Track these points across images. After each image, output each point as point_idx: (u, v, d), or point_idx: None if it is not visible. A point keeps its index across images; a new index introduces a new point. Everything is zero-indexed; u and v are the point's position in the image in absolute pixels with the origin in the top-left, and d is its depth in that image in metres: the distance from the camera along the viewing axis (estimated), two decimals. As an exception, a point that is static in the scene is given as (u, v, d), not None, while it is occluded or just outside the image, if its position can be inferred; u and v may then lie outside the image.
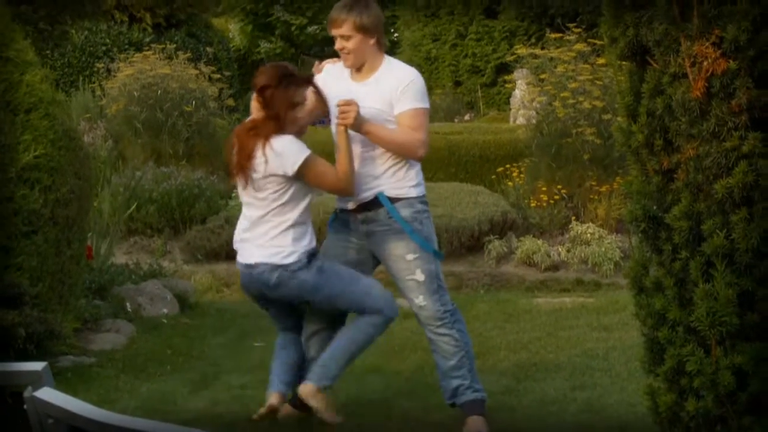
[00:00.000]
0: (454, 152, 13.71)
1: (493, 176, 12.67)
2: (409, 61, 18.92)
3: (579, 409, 5.23)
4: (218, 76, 14.12)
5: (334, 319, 5.06)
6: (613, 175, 10.68)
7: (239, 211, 5.06)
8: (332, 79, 5.02)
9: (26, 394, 2.64)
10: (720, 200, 3.29)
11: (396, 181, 4.90)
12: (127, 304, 7.56)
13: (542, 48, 12.26)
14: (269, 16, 23.24)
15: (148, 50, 14.30)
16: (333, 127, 4.96)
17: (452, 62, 19.72)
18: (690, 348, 3.39)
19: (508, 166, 12.43)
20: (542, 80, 11.73)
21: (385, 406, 5.41)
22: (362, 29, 4.83)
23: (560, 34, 11.96)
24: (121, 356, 6.52)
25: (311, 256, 4.83)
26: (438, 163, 13.52)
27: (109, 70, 14.26)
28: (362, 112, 4.76)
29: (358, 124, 4.75)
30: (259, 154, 4.75)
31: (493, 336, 6.89)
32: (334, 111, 4.89)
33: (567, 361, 6.14)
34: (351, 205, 4.96)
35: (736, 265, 3.29)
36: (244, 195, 4.91)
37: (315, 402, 4.84)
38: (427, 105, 4.92)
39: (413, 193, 4.92)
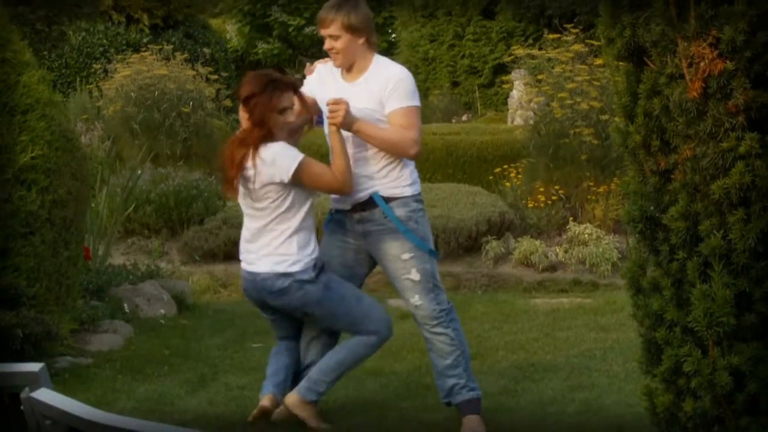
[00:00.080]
0: (452, 153, 13.71)
1: (491, 177, 12.68)
2: (407, 62, 19.03)
3: (577, 409, 5.23)
4: (216, 76, 14.11)
5: None
6: (611, 176, 10.68)
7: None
8: (323, 79, 5.01)
9: (23, 395, 2.64)
10: (717, 201, 3.29)
11: (390, 180, 4.89)
12: (125, 305, 7.55)
13: (540, 49, 12.26)
14: (267, 16, 23.26)
15: (145, 51, 14.28)
16: (326, 129, 4.96)
17: (450, 63, 19.73)
18: (687, 348, 3.39)
19: (505, 166, 12.44)
20: (540, 81, 11.73)
21: (383, 406, 5.41)
22: (350, 29, 4.82)
23: (558, 35, 11.97)
24: (118, 357, 6.52)
25: (320, 270, 4.83)
26: (435, 163, 13.53)
27: (106, 71, 14.25)
28: (353, 111, 4.75)
29: (348, 122, 4.74)
30: (249, 165, 4.74)
31: (490, 337, 6.89)
32: (325, 111, 4.90)
33: (565, 362, 6.14)
34: (346, 206, 4.96)
35: (733, 265, 3.29)
36: (244, 206, 4.92)
37: (300, 412, 4.91)
38: (417, 103, 4.90)
39: (408, 192, 4.92)
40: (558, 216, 10.72)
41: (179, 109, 13.23)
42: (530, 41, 14.67)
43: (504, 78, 16.40)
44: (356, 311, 4.91)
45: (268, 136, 4.77)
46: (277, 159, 4.73)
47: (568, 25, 12.17)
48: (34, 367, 2.75)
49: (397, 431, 5.07)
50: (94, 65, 15.43)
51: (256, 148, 4.75)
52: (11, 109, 6.21)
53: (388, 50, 21.45)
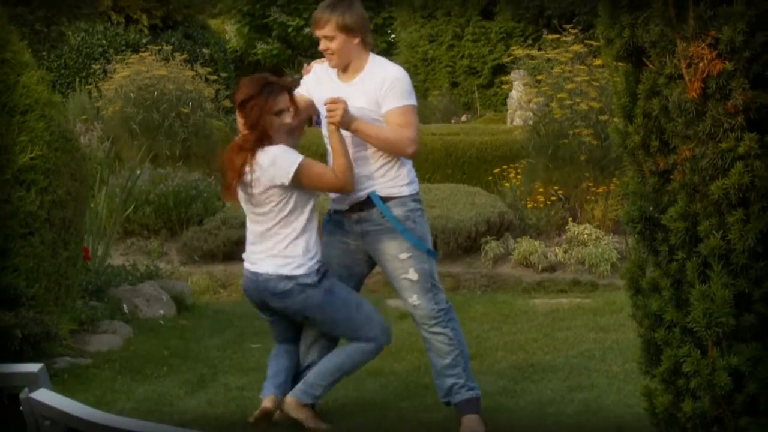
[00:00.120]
0: (451, 153, 13.72)
1: (490, 177, 12.68)
2: (406, 62, 19.05)
3: (576, 410, 5.23)
4: (215, 77, 14.11)
5: None
6: (610, 176, 10.68)
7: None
8: (320, 79, 5.01)
9: (23, 395, 2.64)
10: (716, 201, 3.29)
11: (388, 180, 4.89)
12: (124, 306, 7.55)
13: (539, 49, 12.27)
14: (266, 17, 23.27)
15: (144, 51, 14.29)
16: (323, 129, 4.97)
17: (449, 63, 19.74)
18: (686, 349, 3.39)
19: (505, 167, 12.44)
20: (539, 81, 11.73)
21: (382, 406, 5.41)
22: (345, 29, 4.81)
23: (557, 35, 11.97)
24: (117, 357, 6.52)
25: (323, 275, 4.84)
26: (435, 164, 13.54)
27: (105, 72, 14.25)
28: (350, 111, 4.75)
29: (347, 121, 4.74)
30: (247, 170, 4.74)
31: (490, 337, 6.89)
32: (323, 112, 4.90)
33: (564, 362, 6.14)
34: (344, 206, 4.96)
35: (732, 266, 3.29)
36: (246, 211, 4.93)
37: (297, 414, 4.92)
38: (414, 102, 4.89)
39: (406, 191, 4.92)
40: (557, 216, 10.73)
41: (178, 109, 13.23)
42: (529, 42, 14.68)
43: (503, 78, 16.41)
44: (356, 318, 4.92)
45: (266, 140, 4.77)
46: (277, 162, 4.73)
47: (568, 26, 12.17)
48: (34, 367, 2.75)
49: (397, 431, 5.07)
50: (93, 66, 15.42)
51: (254, 153, 4.75)
52: (10, 110, 6.21)
53: (388, 51, 21.46)
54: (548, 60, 11.72)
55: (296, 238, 4.80)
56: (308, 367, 5.04)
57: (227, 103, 14.14)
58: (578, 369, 5.97)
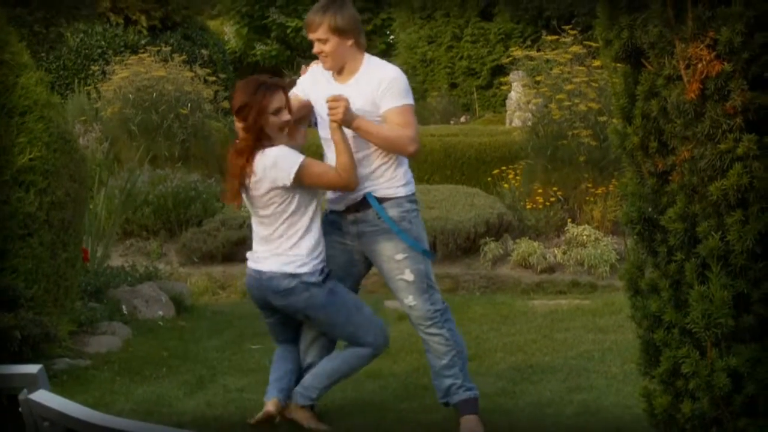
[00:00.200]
0: (450, 154, 13.72)
1: (489, 178, 12.69)
2: (405, 63, 19.04)
3: (575, 411, 5.23)
4: (214, 78, 14.12)
5: None
6: (609, 177, 10.69)
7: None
8: (316, 80, 5.01)
9: (22, 396, 2.64)
10: (715, 202, 3.29)
11: (384, 181, 4.89)
12: (123, 307, 7.55)
13: (538, 50, 12.28)
14: (265, 18, 23.26)
15: (143, 52, 14.30)
16: (320, 131, 4.97)
17: (448, 64, 19.73)
18: (685, 350, 3.39)
19: (503, 168, 12.45)
20: (538, 82, 11.74)
21: (381, 407, 5.41)
22: (338, 31, 4.81)
23: (556, 37, 11.98)
24: (116, 359, 6.52)
25: (326, 275, 4.85)
26: (434, 165, 13.54)
27: (104, 73, 14.26)
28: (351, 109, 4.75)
29: (348, 119, 4.73)
30: (248, 172, 4.74)
31: (489, 338, 6.90)
32: (320, 112, 4.90)
33: (563, 363, 6.14)
34: (340, 207, 4.96)
35: (731, 267, 3.29)
36: (252, 215, 4.94)
37: (296, 416, 4.95)
38: (411, 101, 4.89)
39: (402, 192, 4.92)
40: (556, 217, 10.73)
41: (177, 110, 13.23)
42: (528, 43, 14.68)
43: (502, 79, 16.41)
44: (356, 320, 4.92)
45: (266, 141, 4.77)
46: (278, 163, 4.73)
47: (566, 27, 12.19)
48: (33, 368, 2.75)
49: (396, 432, 5.08)
50: (92, 67, 15.42)
51: (254, 156, 4.75)
52: (9, 111, 6.21)
53: (386, 52, 21.47)
54: (547, 61, 11.73)
55: (301, 238, 4.81)
56: (307, 368, 5.05)
57: (226, 104, 14.15)
58: (577, 370, 5.97)
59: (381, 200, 4.88)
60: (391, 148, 4.84)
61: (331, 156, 4.88)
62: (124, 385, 5.96)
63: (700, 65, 3.26)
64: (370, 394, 5.66)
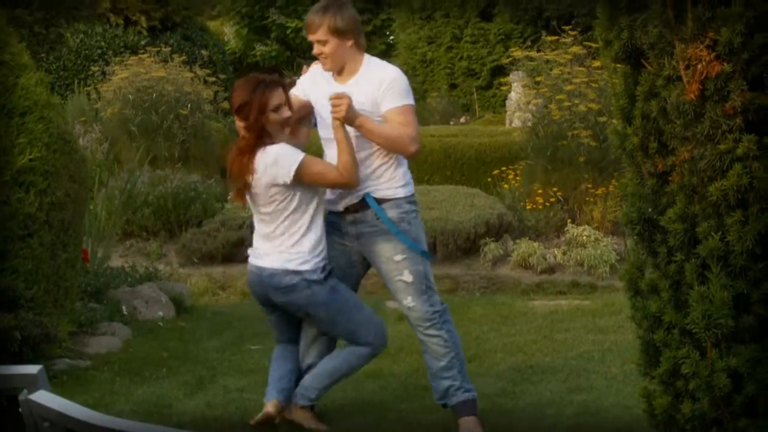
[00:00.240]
0: (450, 155, 13.72)
1: (489, 179, 12.69)
2: (405, 64, 19.04)
3: (575, 411, 5.23)
4: (213, 79, 14.13)
5: None
6: (609, 178, 10.69)
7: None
8: (316, 80, 5.01)
9: (22, 397, 2.64)
10: (715, 203, 3.30)
11: (383, 182, 4.89)
12: (123, 308, 7.55)
13: (538, 51, 12.28)
14: (265, 18, 23.26)
15: (143, 53, 14.30)
16: (320, 131, 4.97)
17: (448, 65, 19.73)
18: (685, 350, 3.39)
19: (503, 168, 12.45)
20: (538, 83, 11.74)
21: (381, 407, 5.41)
22: (337, 32, 4.80)
23: (556, 37, 11.98)
24: (116, 359, 6.52)
25: (328, 273, 4.85)
26: (434, 165, 13.54)
27: (104, 73, 14.26)
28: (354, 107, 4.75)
29: (351, 117, 4.73)
30: (250, 170, 4.75)
31: (489, 338, 6.90)
32: (320, 111, 4.90)
33: (563, 364, 6.14)
34: (339, 207, 4.96)
35: (731, 267, 3.29)
36: (254, 213, 4.94)
37: (295, 417, 4.96)
38: (412, 102, 4.89)
39: (401, 193, 4.91)
40: (556, 218, 10.73)
41: (177, 111, 13.23)
42: (528, 43, 14.69)
43: (502, 80, 16.40)
44: (356, 319, 4.93)
45: (267, 139, 4.78)
46: (279, 161, 4.74)
47: (566, 27, 12.19)
48: (33, 369, 2.75)
49: (396, 433, 5.08)
50: (92, 67, 15.43)
51: (255, 154, 4.75)
52: (9, 112, 6.21)
53: (386, 52, 21.47)
54: (547, 61, 11.73)
55: (303, 235, 4.81)
56: (307, 369, 5.05)
57: (226, 104, 14.16)
58: (577, 370, 5.97)
59: (380, 201, 4.88)
60: (392, 147, 4.84)
61: (331, 155, 4.88)
62: (124, 386, 5.96)
63: (699, 66, 3.27)
64: (370, 394, 5.67)
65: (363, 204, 4.90)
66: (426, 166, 13.34)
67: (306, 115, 5.09)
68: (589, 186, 10.86)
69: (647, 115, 3.45)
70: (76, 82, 15.80)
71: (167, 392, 5.81)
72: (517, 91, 14.39)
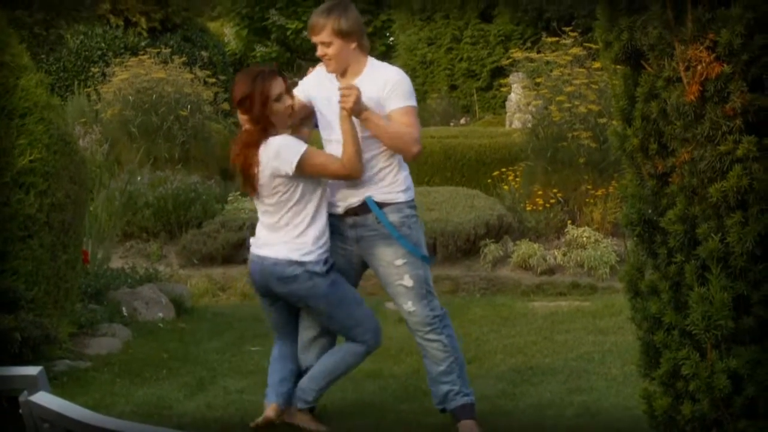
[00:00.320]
0: (450, 156, 13.72)
1: (489, 180, 12.69)
2: (405, 65, 19.03)
3: (575, 412, 5.23)
4: (213, 80, 14.13)
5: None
6: (609, 179, 10.69)
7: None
8: (320, 80, 5.01)
9: (22, 398, 2.64)
10: (715, 204, 3.30)
11: (385, 186, 4.89)
12: (123, 309, 7.55)
13: (538, 52, 12.28)
14: (265, 20, 23.25)
15: (143, 54, 14.30)
16: (321, 131, 4.97)
17: (448, 66, 19.73)
18: (685, 351, 3.39)
19: (503, 169, 12.45)
20: (538, 84, 11.74)
21: (381, 409, 5.41)
22: (341, 34, 4.80)
23: (556, 38, 11.98)
24: (116, 360, 6.52)
25: (330, 266, 4.85)
26: (434, 167, 13.54)
27: (104, 75, 14.26)
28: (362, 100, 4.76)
29: (358, 109, 4.73)
30: (254, 162, 4.76)
31: (489, 340, 6.90)
32: (322, 109, 4.90)
33: (563, 365, 6.14)
34: (339, 210, 4.96)
35: (731, 268, 3.29)
36: (258, 204, 4.94)
37: (295, 419, 4.96)
38: (415, 103, 4.90)
39: (402, 197, 4.91)
40: (556, 219, 10.73)
41: (177, 112, 13.23)
42: (528, 44, 14.69)
43: (502, 81, 16.39)
44: (355, 314, 4.93)
45: (271, 130, 4.79)
46: (281, 152, 4.75)
47: (567, 28, 12.19)
48: (33, 370, 2.75)
49: (396, 434, 5.08)
50: (92, 69, 15.43)
51: (257, 145, 4.77)
52: (9, 113, 6.21)
53: (386, 53, 21.46)
54: (547, 63, 11.73)
55: (307, 226, 4.81)
56: (305, 370, 5.04)
57: (226, 105, 14.16)
58: (577, 372, 5.97)
59: (381, 205, 4.88)
60: (395, 145, 4.84)
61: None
62: (125, 387, 5.96)
63: (699, 67, 3.27)
64: (369, 395, 5.67)
65: (363, 207, 4.90)
66: (426, 167, 13.33)
67: (307, 115, 5.09)
68: (589, 187, 10.85)
69: (647, 117, 3.45)
70: (76, 83, 15.80)
71: (167, 393, 5.81)
72: (517, 92, 14.39)
